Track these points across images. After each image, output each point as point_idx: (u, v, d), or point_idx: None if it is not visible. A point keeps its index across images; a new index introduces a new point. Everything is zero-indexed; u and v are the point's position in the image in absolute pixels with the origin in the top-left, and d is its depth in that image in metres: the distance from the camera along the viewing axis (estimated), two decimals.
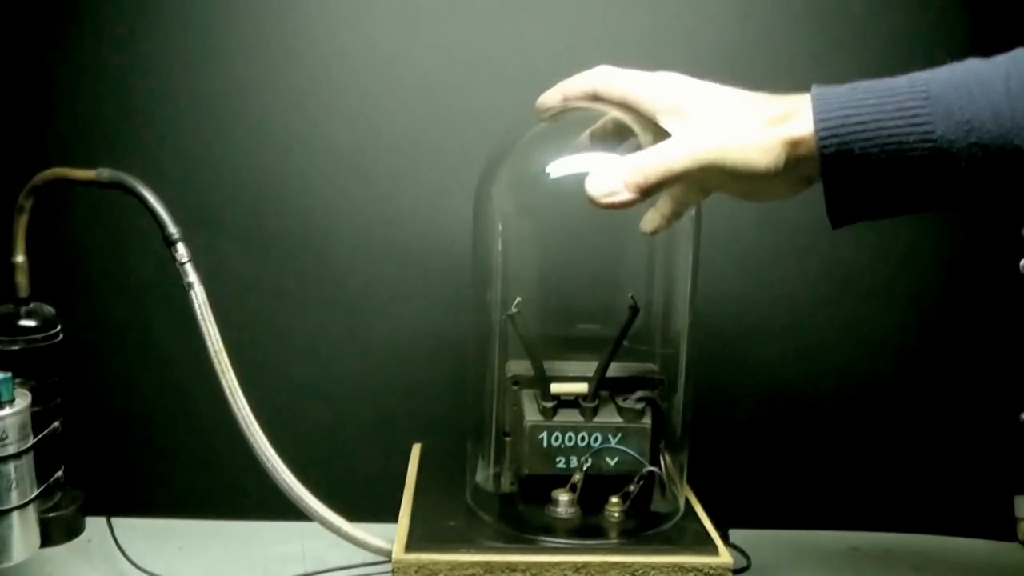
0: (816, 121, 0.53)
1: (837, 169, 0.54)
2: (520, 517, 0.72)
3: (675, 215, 0.67)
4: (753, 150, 0.55)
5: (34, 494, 0.75)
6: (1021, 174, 0.51)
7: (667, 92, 0.59)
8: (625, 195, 0.57)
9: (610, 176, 0.57)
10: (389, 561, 0.67)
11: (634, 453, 0.70)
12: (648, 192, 0.57)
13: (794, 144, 0.55)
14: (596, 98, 0.62)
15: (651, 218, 0.67)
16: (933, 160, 0.52)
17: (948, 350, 0.97)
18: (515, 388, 0.73)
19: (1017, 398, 0.96)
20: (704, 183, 0.62)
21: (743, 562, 0.88)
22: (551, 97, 0.64)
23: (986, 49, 0.55)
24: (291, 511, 0.76)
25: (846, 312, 0.96)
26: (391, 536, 0.70)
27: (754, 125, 0.56)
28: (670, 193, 0.66)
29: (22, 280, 0.82)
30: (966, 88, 0.52)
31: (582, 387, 0.72)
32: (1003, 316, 0.95)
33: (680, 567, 0.67)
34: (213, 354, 0.75)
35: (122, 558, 0.85)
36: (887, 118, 0.52)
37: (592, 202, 0.58)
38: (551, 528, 0.70)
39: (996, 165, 0.51)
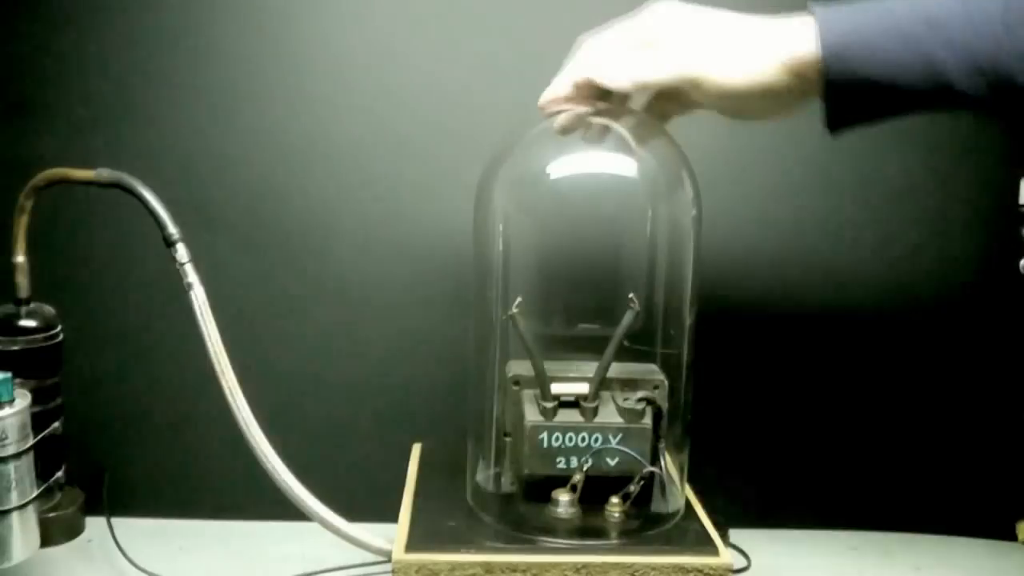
0: (822, 43, 0.56)
1: (840, 89, 0.56)
2: (520, 517, 0.71)
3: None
4: (744, 70, 0.58)
5: (34, 494, 0.75)
6: (1019, 105, 0.54)
7: (659, 23, 0.61)
8: (619, 83, 0.62)
9: (614, 66, 0.62)
10: (389, 561, 0.67)
11: (634, 453, 0.70)
12: (634, 87, 0.62)
13: (796, 67, 0.57)
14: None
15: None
16: (933, 83, 0.54)
17: (948, 350, 0.97)
18: (516, 388, 0.73)
19: (1017, 398, 0.96)
20: (688, 97, 0.62)
21: (743, 562, 0.88)
22: (559, 88, 0.65)
23: None
24: (291, 511, 0.76)
25: (846, 312, 0.96)
26: (391, 536, 0.70)
27: (750, 46, 0.58)
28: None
29: (22, 280, 0.82)
30: (967, 16, 0.53)
31: (583, 387, 0.72)
32: (1003, 316, 0.95)
33: (680, 567, 0.67)
34: (213, 354, 0.75)
35: (122, 558, 0.85)
36: (892, 43, 0.54)
37: (593, 77, 0.63)
38: (551, 528, 0.70)
39: (995, 92, 0.54)
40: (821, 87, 0.57)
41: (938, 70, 0.54)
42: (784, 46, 0.57)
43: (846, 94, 0.57)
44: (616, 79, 0.62)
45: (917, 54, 0.54)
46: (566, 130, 0.68)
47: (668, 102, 0.67)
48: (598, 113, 0.68)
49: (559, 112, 0.67)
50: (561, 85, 0.65)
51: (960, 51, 0.53)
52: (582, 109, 0.67)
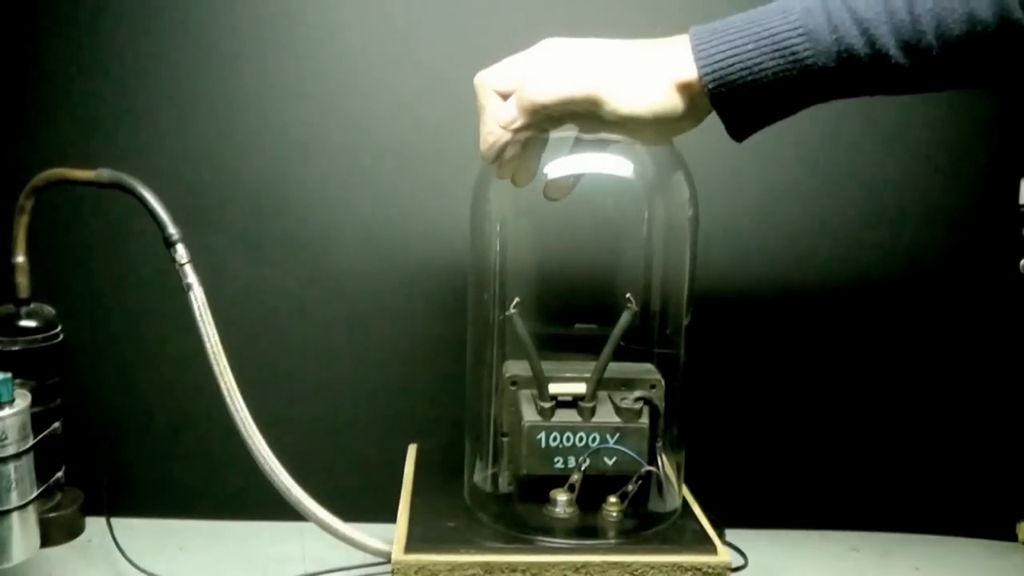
0: (701, 73, 0.58)
1: (729, 106, 0.59)
2: (519, 517, 0.71)
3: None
4: (646, 95, 0.59)
5: (34, 494, 0.76)
6: (896, 80, 0.56)
7: (548, 53, 0.62)
8: (522, 120, 0.61)
9: (509, 107, 0.61)
10: (389, 561, 0.67)
11: (632, 453, 0.70)
12: (528, 118, 0.61)
13: (683, 88, 0.59)
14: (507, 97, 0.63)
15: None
16: (816, 84, 0.57)
17: (948, 350, 0.97)
18: (513, 388, 0.73)
19: (1017, 398, 0.96)
20: (593, 118, 0.62)
21: (740, 561, 0.88)
22: (493, 132, 0.63)
23: None
24: (291, 511, 0.76)
25: (846, 313, 0.96)
26: (390, 536, 0.70)
27: (643, 72, 0.59)
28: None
29: (22, 280, 0.82)
30: (840, 16, 0.55)
31: (580, 387, 0.72)
32: (1003, 316, 0.95)
33: (679, 566, 0.67)
34: (212, 355, 0.75)
35: (122, 558, 0.85)
36: (767, 59, 0.57)
37: (504, 128, 0.62)
38: (550, 528, 0.70)
39: (873, 77, 0.56)
40: (709, 105, 0.59)
41: (818, 73, 0.56)
42: (670, 69, 0.59)
43: (736, 108, 0.59)
44: (506, 117, 0.61)
45: (795, 63, 0.56)
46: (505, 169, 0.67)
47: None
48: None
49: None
50: (493, 127, 0.63)
51: (838, 53, 0.55)
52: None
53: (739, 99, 0.58)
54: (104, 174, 0.77)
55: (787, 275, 0.95)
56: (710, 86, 0.57)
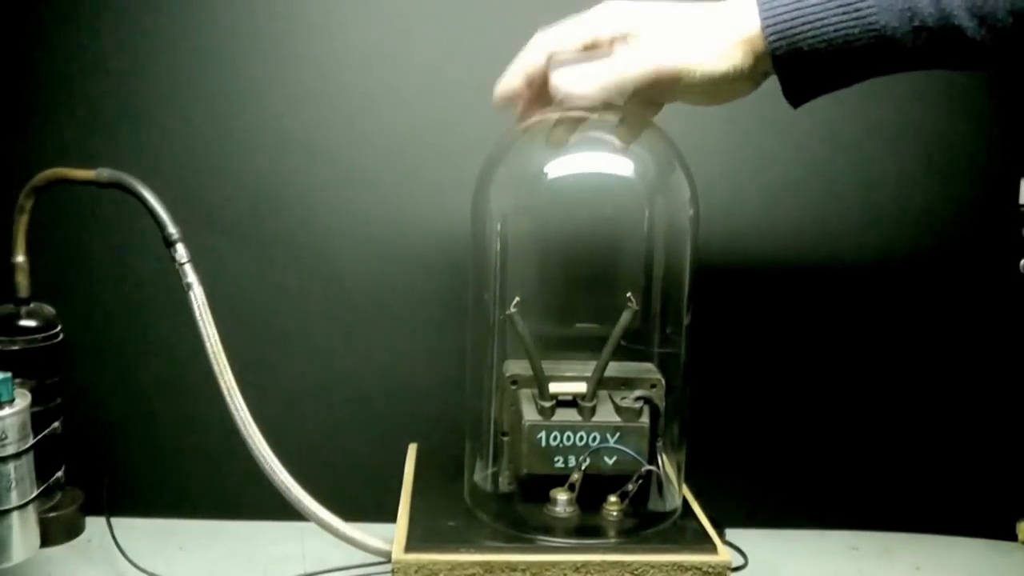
0: (764, 26, 0.57)
1: (789, 65, 0.58)
2: (519, 517, 0.71)
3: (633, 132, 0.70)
4: (714, 56, 0.59)
5: (34, 494, 0.76)
6: (962, 49, 0.55)
7: (617, 19, 0.61)
8: (588, 93, 0.61)
9: (579, 75, 0.61)
10: (389, 561, 0.67)
11: (632, 452, 0.70)
12: (608, 95, 0.61)
13: (749, 45, 0.58)
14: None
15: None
16: (879, 47, 0.56)
17: (948, 350, 0.97)
18: (513, 388, 0.73)
19: (1017, 398, 0.96)
20: (664, 93, 0.63)
21: (740, 560, 0.88)
22: (511, 82, 0.65)
23: None
24: (291, 511, 0.76)
25: (846, 312, 0.96)
26: (390, 536, 0.70)
27: (709, 32, 0.59)
28: (627, 108, 0.67)
29: (22, 280, 0.82)
30: None
31: (580, 387, 0.72)
32: (1003, 316, 0.95)
33: (679, 565, 0.67)
34: (212, 355, 0.75)
35: (122, 558, 0.85)
36: (831, 15, 0.56)
37: (554, 90, 0.62)
38: (550, 528, 0.70)
39: (939, 44, 0.55)
40: (770, 63, 0.58)
41: (881, 34, 0.55)
42: (735, 26, 0.58)
43: (796, 67, 0.58)
44: (582, 89, 0.61)
45: (859, 21, 0.55)
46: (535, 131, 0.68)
47: (635, 104, 0.67)
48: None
49: (522, 110, 0.67)
50: (514, 76, 0.65)
51: (902, 12, 0.55)
52: (553, 114, 0.66)
53: (800, 58, 0.57)
54: (104, 174, 0.77)
55: (787, 275, 0.95)
56: (771, 39, 0.57)
